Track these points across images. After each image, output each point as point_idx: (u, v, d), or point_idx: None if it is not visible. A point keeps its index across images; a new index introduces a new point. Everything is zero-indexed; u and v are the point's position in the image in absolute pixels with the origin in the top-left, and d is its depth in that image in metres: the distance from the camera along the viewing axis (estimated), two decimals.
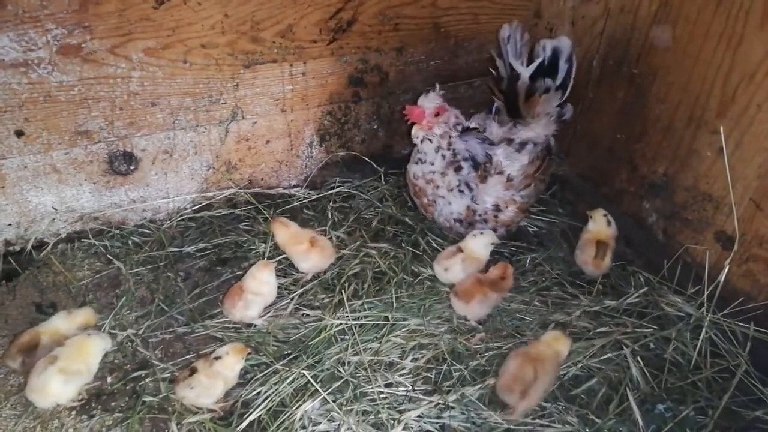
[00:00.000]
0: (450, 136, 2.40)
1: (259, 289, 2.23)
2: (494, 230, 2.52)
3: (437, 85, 2.42)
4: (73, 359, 1.94)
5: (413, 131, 2.40)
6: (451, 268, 2.37)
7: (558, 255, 2.61)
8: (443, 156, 2.42)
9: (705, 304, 2.22)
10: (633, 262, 2.56)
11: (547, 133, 2.56)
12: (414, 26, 2.69)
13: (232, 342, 2.08)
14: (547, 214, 2.85)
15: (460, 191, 2.46)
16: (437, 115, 2.36)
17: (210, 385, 1.91)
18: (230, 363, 1.96)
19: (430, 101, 2.36)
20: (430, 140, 2.40)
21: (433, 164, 2.44)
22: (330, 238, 2.59)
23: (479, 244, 2.41)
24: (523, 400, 1.90)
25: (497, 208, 2.50)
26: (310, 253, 2.40)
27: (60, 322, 2.10)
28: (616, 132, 2.64)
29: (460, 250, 2.40)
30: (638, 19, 2.40)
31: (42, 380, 1.89)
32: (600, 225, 2.50)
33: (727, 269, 2.18)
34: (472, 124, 2.56)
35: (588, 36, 2.67)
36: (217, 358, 1.95)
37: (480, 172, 2.45)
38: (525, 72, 2.40)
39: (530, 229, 2.78)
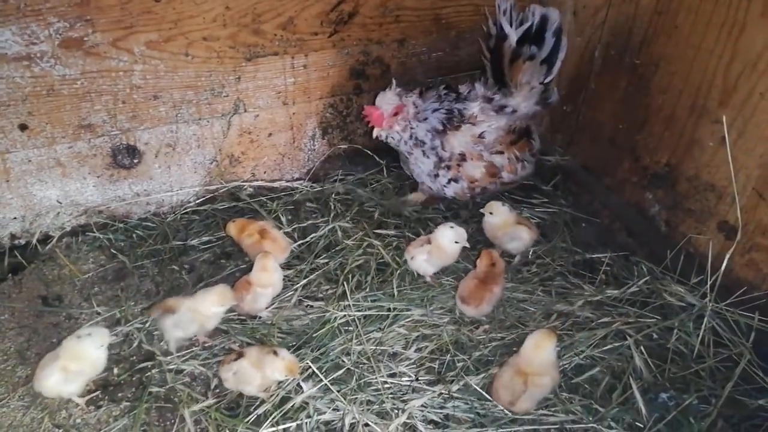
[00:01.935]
0: (411, 128, 2.47)
1: (268, 280, 2.24)
2: (455, 180, 2.58)
3: (393, 82, 2.44)
4: (72, 360, 1.92)
5: (374, 132, 2.45)
6: (416, 257, 2.37)
7: (560, 245, 2.61)
8: (406, 142, 2.52)
9: (708, 294, 2.22)
10: (635, 252, 2.55)
11: (527, 105, 2.58)
12: (415, 18, 2.69)
13: (290, 356, 1.98)
14: (550, 204, 2.84)
15: (427, 157, 2.54)
16: (396, 114, 2.40)
17: (251, 373, 1.91)
18: (278, 367, 1.92)
19: (387, 102, 2.39)
20: (392, 137, 2.49)
21: (398, 146, 2.56)
22: (333, 228, 2.61)
23: (446, 237, 2.36)
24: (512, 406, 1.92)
25: (463, 157, 2.54)
26: (262, 245, 2.40)
27: (199, 300, 2.12)
28: (618, 122, 2.64)
29: (430, 241, 2.39)
30: (640, 8, 2.39)
31: (44, 374, 1.90)
32: (504, 213, 2.49)
33: (729, 259, 2.18)
34: (461, 87, 2.62)
35: (590, 26, 2.66)
36: (275, 353, 1.93)
37: (453, 125, 2.51)
38: (513, 33, 2.41)
39: (533, 220, 2.78)
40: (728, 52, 2.08)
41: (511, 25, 2.42)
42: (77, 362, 1.92)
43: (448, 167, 2.56)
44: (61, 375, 1.89)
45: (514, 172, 2.65)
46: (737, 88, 2.08)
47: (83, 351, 1.94)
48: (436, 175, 2.59)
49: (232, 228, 2.50)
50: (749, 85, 2.04)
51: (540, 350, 1.95)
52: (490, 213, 2.50)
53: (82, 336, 1.96)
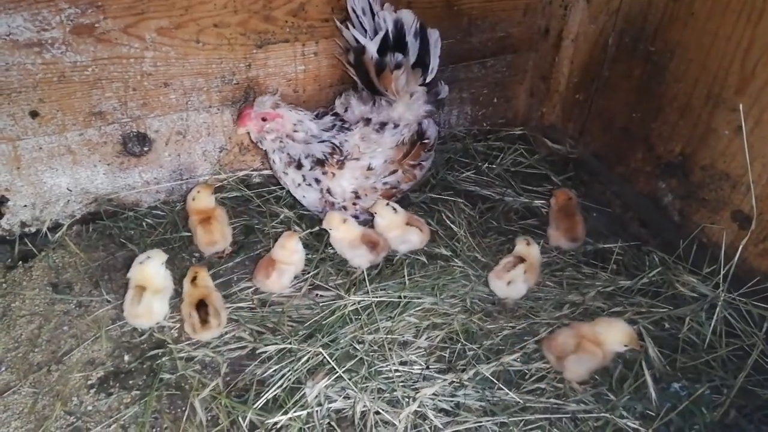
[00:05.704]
0: (281, 141, 2.38)
1: (289, 258, 2.28)
2: (356, 217, 2.47)
3: (278, 90, 2.38)
4: (153, 283, 2.15)
5: (238, 130, 2.40)
6: (515, 281, 2.24)
7: None
8: (280, 158, 2.42)
9: (720, 284, 2.20)
10: (648, 242, 2.54)
11: (414, 112, 2.44)
12: (426, 4, 2.66)
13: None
14: None
15: (309, 185, 2.43)
16: (264, 120, 2.32)
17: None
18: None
19: (260, 105, 2.32)
20: (261, 142, 2.42)
21: (275, 163, 2.47)
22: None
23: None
24: (561, 365, 1.99)
25: (357, 195, 2.43)
26: (197, 229, 2.44)
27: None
28: (631, 111, 2.61)
29: (522, 260, 2.26)
30: None
31: (144, 305, 2.11)
32: (388, 215, 2.41)
33: (743, 249, 2.16)
34: (337, 104, 2.52)
35: (604, 13, 2.63)
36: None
37: (334, 160, 2.38)
38: (370, 45, 2.27)
39: (544, 210, 2.77)
40: (746, 38, 2.05)
41: (366, 35, 2.27)
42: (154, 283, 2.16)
43: (345, 208, 2.45)
44: (153, 296, 2.12)
45: (413, 178, 2.53)
46: (755, 75, 2.05)
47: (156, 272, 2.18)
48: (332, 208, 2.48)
49: (196, 198, 2.51)
50: (767, 72, 2.01)
51: (623, 337, 1.98)
52: (375, 213, 2.42)
53: (146, 259, 2.18)
